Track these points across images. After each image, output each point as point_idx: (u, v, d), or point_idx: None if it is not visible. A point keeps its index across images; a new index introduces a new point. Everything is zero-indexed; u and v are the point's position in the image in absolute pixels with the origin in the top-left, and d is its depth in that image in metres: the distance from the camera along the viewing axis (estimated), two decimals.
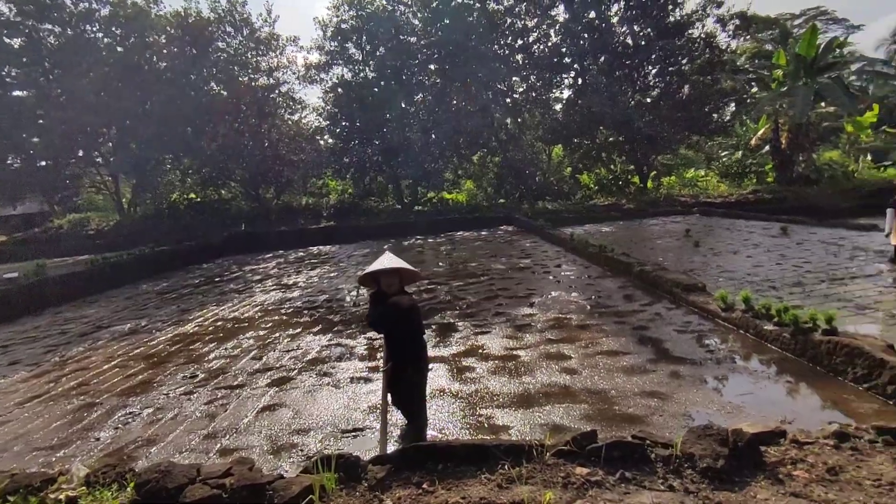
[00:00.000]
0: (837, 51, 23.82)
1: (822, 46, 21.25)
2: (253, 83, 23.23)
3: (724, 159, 28.06)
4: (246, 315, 9.31)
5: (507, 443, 2.73)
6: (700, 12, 22.46)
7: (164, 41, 21.20)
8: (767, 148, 24.00)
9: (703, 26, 22.83)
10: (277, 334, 7.76)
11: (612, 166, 25.75)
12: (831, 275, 8.43)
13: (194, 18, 21.01)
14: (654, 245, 13.34)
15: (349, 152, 23.61)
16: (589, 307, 7.49)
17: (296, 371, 6.00)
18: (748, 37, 41.30)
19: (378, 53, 22.71)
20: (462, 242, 17.09)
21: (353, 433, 4.38)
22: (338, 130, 24.09)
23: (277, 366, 6.25)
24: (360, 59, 23.71)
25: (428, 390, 5.03)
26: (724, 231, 14.56)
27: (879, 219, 14.84)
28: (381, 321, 3.90)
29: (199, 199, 24.73)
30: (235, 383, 5.76)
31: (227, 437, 4.47)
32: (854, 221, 13.88)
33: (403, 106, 23.35)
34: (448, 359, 5.95)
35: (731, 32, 22.97)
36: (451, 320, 7.60)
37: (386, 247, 18.01)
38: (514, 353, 5.90)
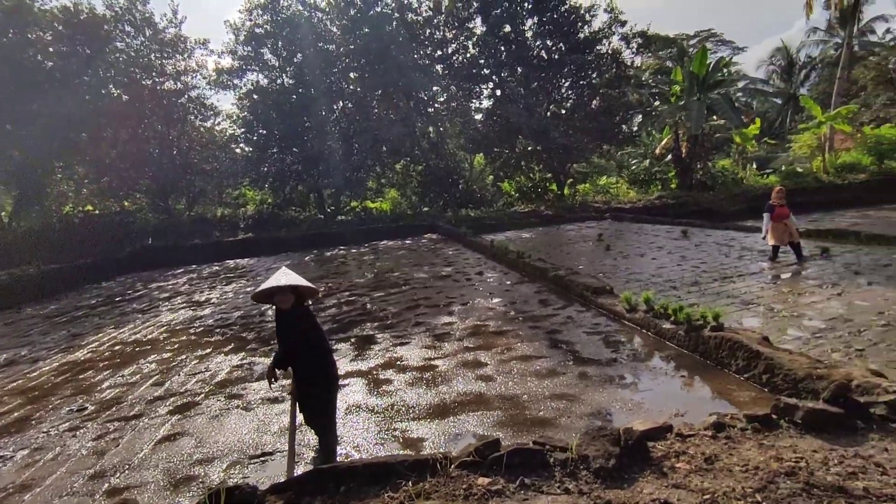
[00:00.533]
0: (724, 70, 26.36)
1: (711, 66, 23.39)
2: (158, 87, 21.71)
3: (633, 167, 30.02)
4: (149, 337, 8.62)
5: (411, 458, 2.70)
6: (606, 30, 23.98)
7: (50, 38, 19.25)
8: (670, 157, 25.98)
9: (610, 43, 24.42)
10: (184, 356, 7.25)
11: (531, 174, 26.71)
12: (723, 273, 9.20)
13: (86, 15, 19.27)
14: (570, 249, 13.94)
15: (267, 161, 22.70)
16: (506, 313, 7.66)
17: (202, 395, 5.62)
18: (650, 54, 44.73)
19: (295, 60, 22.08)
20: (386, 252, 16.94)
21: (262, 458, 4.16)
22: (254, 138, 23.13)
23: (181, 391, 5.83)
24: (277, 65, 22.94)
25: (343, 406, 4.92)
26: (633, 235, 15.52)
27: (760, 223, 16.49)
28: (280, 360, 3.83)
29: (97, 212, 22.66)
30: (131, 414, 5.29)
31: (118, 474, 4.08)
32: (743, 224, 15.31)
33: (324, 114, 22.85)
34: (365, 372, 5.84)
35: (634, 49, 24.71)
36: (371, 332, 7.49)
37: (308, 258, 17.47)
38: (432, 363, 5.90)
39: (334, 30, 22.60)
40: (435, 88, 25.02)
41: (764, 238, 9.89)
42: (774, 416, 2.87)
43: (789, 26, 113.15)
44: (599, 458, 2.52)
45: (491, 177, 29.27)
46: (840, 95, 27.13)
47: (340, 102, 23.73)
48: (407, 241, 19.31)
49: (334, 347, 6.89)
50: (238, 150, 25.08)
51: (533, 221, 21.18)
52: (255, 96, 22.45)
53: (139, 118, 21.41)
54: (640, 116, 31.10)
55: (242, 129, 23.45)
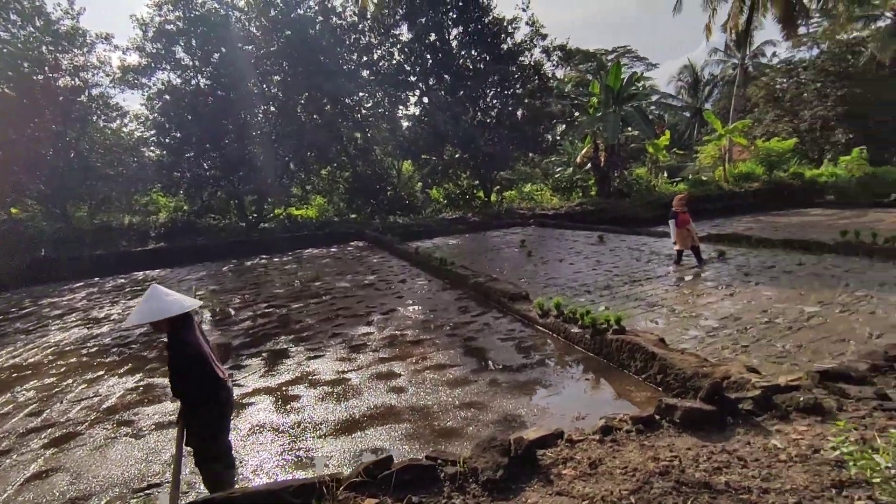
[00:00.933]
0: (637, 84, 28.12)
1: (625, 80, 24.83)
2: (53, 83, 19.78)
3: (557, 175, 31.22)
4: (31, 360, 7.75)
5: (296, 484, 2.55)
6: (528, 42, 24.80)
7: None
8: (590, 165, 27.24)
9: (532, 55, 25.27)
10: (70, 381, 6.57)
11: (459, 181, 27.04)
12: (633, 277, 9.71)
13: None
14: (494, 256, 14.18)
15: (181, 166, 21.31)
16: (426, 321, 7.62)
17: (86, 424, 5.10)
18: (572, 67, 46.90)
19: (212, 60, 20.94)
20: (310, 260, 16.43)
21: (147, 491, 3.82)
22: (167, 141, 21.62)
23: (62, 420, 5.26)
24: (192, 65, 21.63)
25: (246, 427, 4.65)
26: (554, 241, 16.06)
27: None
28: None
29: None
30: None
31: None
32: (655, 229, 16.29)
33: (245, 117, 21.85)
34: (274, 389, 5.56)
35: (555, 62, 25.71)
36: (285, 346, 7.17)
37: (226, 268, 16.56)
38: (345, 376, 5.73)
39: (254, 30, 21.69)
40: (361, 94, 24.69)
41: (675, 244, 10.52)
42: (657, 417, 3.00)
43: (697, 46, 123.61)
44: (488, 470, 2.51)
45: (420, 183, 29.31)
46: (737, 111, 29.73)
47: (262, 106, 22.81)
48: (333, 249, 18.84)
49: (243, 363, 6.54)
50: (149, 154, 23.35)
51: (460, 228, 21.39)
52: (167, 97, 21.03)
53: (29, 116, 19.37)
54: (564, 126, 32.47)
55: (153, 132, 21.89)
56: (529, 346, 6.07)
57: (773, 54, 42.00)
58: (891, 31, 28.96)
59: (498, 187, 28.06)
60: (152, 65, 20.93)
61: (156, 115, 21.26)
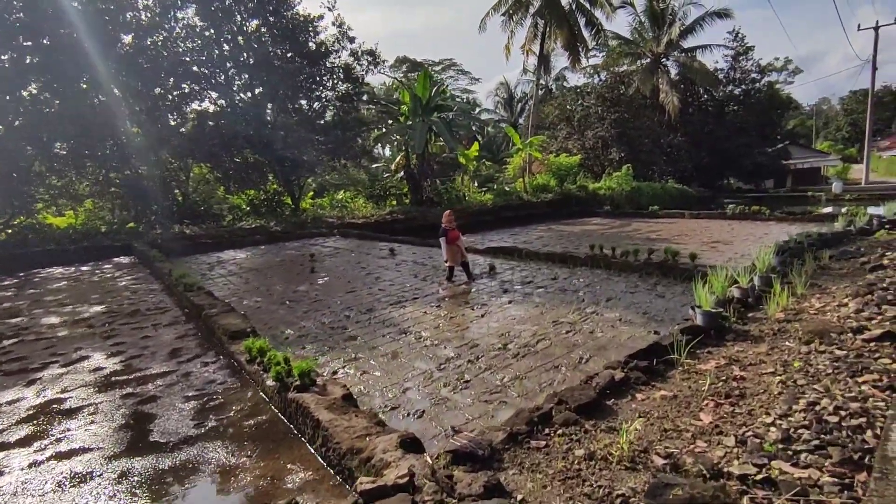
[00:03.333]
0: (461, 96, 28.92)
1: (433, 91, 25.21)
2: None
3: (386, 180, 30.62)
4: None
5: None
6: (335, 43, 23.68)
7: None
8: (403, 173, 27.16)
9: (340, 58, 24.20)
10: None
11: (265, 187, 24.72)
12: (401, 297, 9.19)
13: None
14: (275, 273, 12.73)
15: None
16: (112, 375, 5.96)
17: None
18: (403, 75, 47.22)
19: None
20: (39, 285, 13.01)
21: None
22: None
23: None
24: None
25: None
26: (349, 253, 15.15)
27: (474, 236, 18.05)
28: None
29: None
30: None
31: None
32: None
33: None
34: None
35: (364, 67, 24.95)
36: None
37: None
38: None
39: None
40: (138, 82, 20.92)
41: (446, 261, 10.32)
42: None
43: (517, 65, 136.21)
44: None
45: (222, 189, 26.20)
46: (535, 127, 32.49)
47: None
48: (84, 268, 15.38)
49: None
50: None
51: (258, 239, 19.34)
52: None
53: None
54: (383, 130, 32.16)
55: None
56: (218, 404, 4.89)
57: (565, 79, 47.36)
58: (650, 68, 34.47)
59: (312, 193, 26.42)
60: None
61: None
